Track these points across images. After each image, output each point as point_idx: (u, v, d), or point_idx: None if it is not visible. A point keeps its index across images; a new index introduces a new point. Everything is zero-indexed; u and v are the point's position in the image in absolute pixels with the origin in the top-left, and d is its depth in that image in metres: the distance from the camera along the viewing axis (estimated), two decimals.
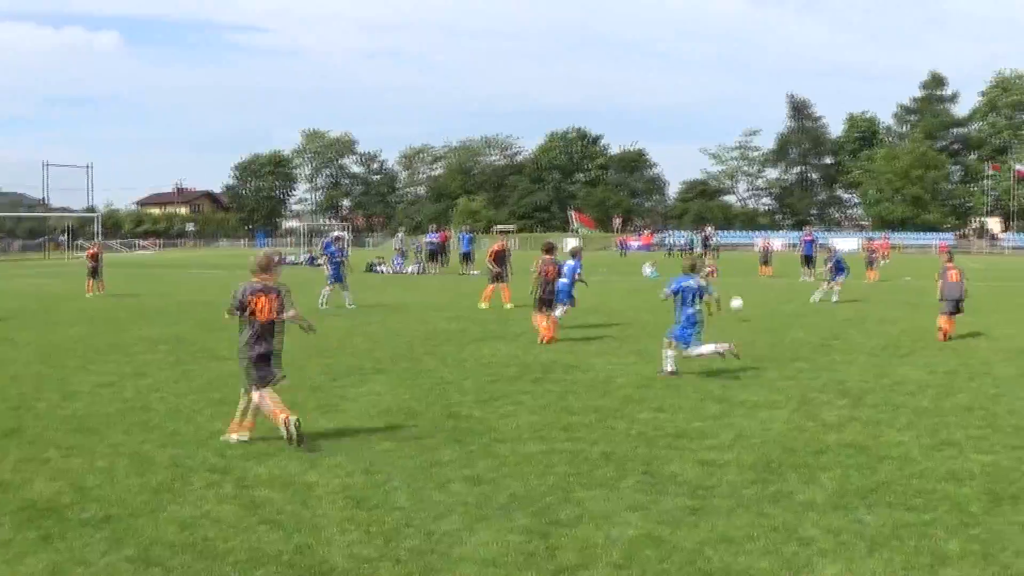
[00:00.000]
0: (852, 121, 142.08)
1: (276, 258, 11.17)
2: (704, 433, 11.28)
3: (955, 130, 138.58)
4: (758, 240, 66.31)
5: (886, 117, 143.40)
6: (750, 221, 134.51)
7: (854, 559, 7.17)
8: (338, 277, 28.30)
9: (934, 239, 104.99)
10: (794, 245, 79.44)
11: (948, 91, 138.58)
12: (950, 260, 21.43)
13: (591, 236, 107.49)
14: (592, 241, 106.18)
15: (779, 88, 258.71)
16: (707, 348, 15.39)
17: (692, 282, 15.51)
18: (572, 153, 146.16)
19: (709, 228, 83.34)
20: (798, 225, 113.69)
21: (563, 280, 20.88)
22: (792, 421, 12.00)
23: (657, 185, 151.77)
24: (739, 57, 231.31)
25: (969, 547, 7.36)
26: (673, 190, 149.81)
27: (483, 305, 27.45)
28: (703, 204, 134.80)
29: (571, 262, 21.56)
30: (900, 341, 20.08)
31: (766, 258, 50.24)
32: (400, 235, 62.03)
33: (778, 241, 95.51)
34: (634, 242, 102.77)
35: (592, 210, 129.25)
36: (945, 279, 20.81)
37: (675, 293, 15.51)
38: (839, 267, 30.51)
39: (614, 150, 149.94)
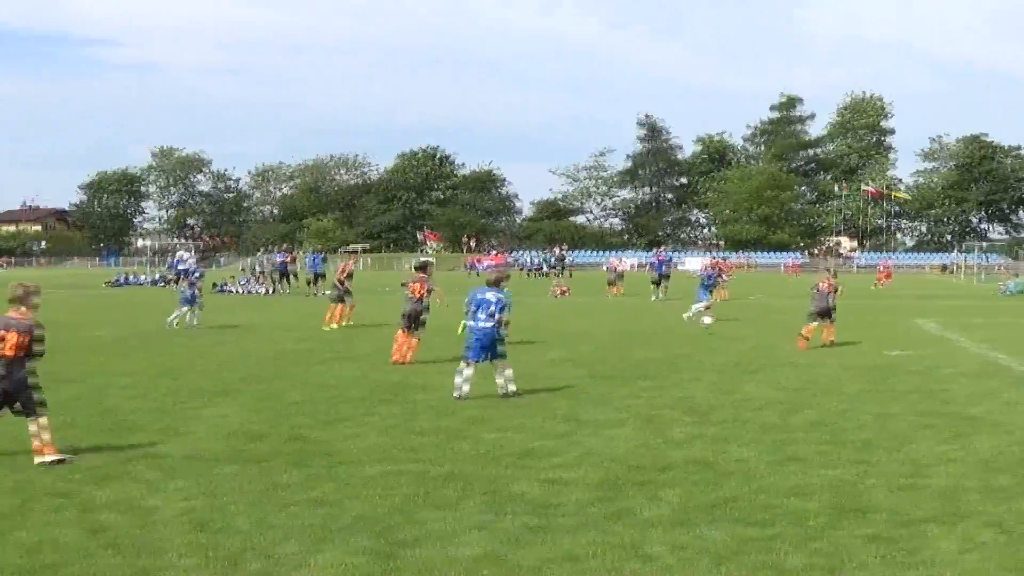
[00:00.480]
0: (704, 142, 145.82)
1: (34, 290, 10.99)
2: (549, 452, 11.42)
3: (807, 151, 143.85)
4: (609, 260, 67.70)
5: (739, 138, 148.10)
6: (601, 241, 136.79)
7: (697, 574, 7.32)
8: (193, 299, 28.22)
9: (785, 258, 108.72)
10: (643, 265, 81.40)
11: (801, 113, 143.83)
12: (828, 275, 23.31)
13: (442, 256, 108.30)
14: (443, 261, 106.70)
15: (632, 109, 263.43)
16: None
17: (491, 295, 15.63)
18: (425, 172, 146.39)
19: (558, 248, 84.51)
20: (650, 245, 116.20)
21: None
22: (638, 439, 12.20)
23: (509, 205, 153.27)
24: (593, 78, 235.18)
25: (812, 561, 7.57)
26: (525, 210, 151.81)
27: (333, 326, 27.50)
28: (555, 224, 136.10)
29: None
30: (748, 358, 20.66)
31: (616, 278, 51.07)
32: (261, 256, 61.63)
33: (629, 261, 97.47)
34: (485, 262, 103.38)
35: (443, 230, 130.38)
36: (816, 289, 22.88)
37: (469, 306, 15.68)
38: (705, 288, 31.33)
39: (467, 170, 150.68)
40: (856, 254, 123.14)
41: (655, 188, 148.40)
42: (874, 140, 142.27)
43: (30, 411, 10.67)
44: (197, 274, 28.67)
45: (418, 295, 20.32)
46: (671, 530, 8.36)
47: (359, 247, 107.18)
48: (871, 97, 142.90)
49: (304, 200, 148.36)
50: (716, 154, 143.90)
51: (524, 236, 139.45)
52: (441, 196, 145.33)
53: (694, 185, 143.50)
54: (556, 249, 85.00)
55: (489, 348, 15.33)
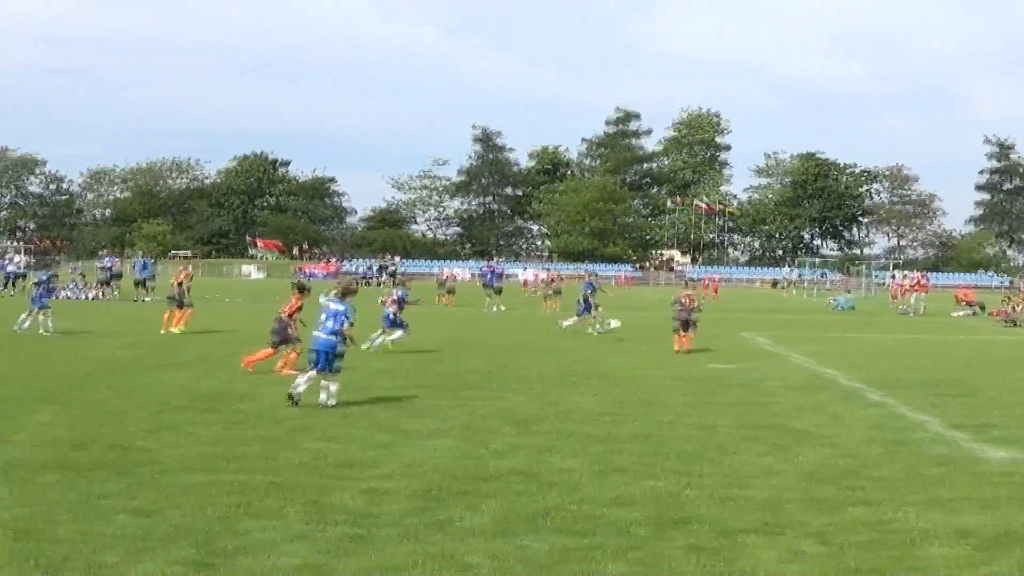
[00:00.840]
0: (539, 154, 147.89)
1: None
2: (371, 462, 11.41)
3: (642, 165, 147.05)
4: (440, 270, 68.25)
5: (574, 151, 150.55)
6: (434, 250, 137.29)
7: None
8: (43, 303, 27.60)
9: (616, 270, 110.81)
10: (475, 275, 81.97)
11: (637, 127, 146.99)
12: (690, 288, 24.07)
13: (276, 263, 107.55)
14: (275, 269, 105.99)
15: (469, 119, 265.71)
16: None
17: (335, 306, 15.84)
18: (257, 178, 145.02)
19: (389, 257, 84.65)
20: (482, 255, 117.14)
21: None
22: (460, 449, 12.29)
23: (341, 213, 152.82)
24: (430, 87, 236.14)
25: (632, 570, 7.68)
26: (358, 218, 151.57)
27: (174, 330, 27.73)
28: (387, 233, 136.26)
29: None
30: (573, 370, 20.95)
31: (448, 287, 51.58)
32: (79, 263, 60.04)
33: (460, 271, 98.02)
34: (317, 270, 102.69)
35: (275, 236, 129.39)
36: (678, 303, 24.65)
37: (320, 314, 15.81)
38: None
39: (301, 176, 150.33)
40: (688, 268, 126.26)
41: (489, 198, 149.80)
42: (709, 156, 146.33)
43: None
44: (44, 278, 28.01)
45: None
46: (491, 540, 8.41)
47: (190, 253, 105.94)
48: (707, 113, 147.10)
49: (135, 204, 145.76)
50: (551, 166, 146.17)
51: (356, 244, 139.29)
52: (274, 202, 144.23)
53: (528, 196, 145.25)
54: (387, 258, 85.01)
55: (328, 359, 15.43)
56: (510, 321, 35.16)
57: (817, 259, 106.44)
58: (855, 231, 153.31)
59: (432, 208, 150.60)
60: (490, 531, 8.69)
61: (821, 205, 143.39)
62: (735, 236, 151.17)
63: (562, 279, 49.45)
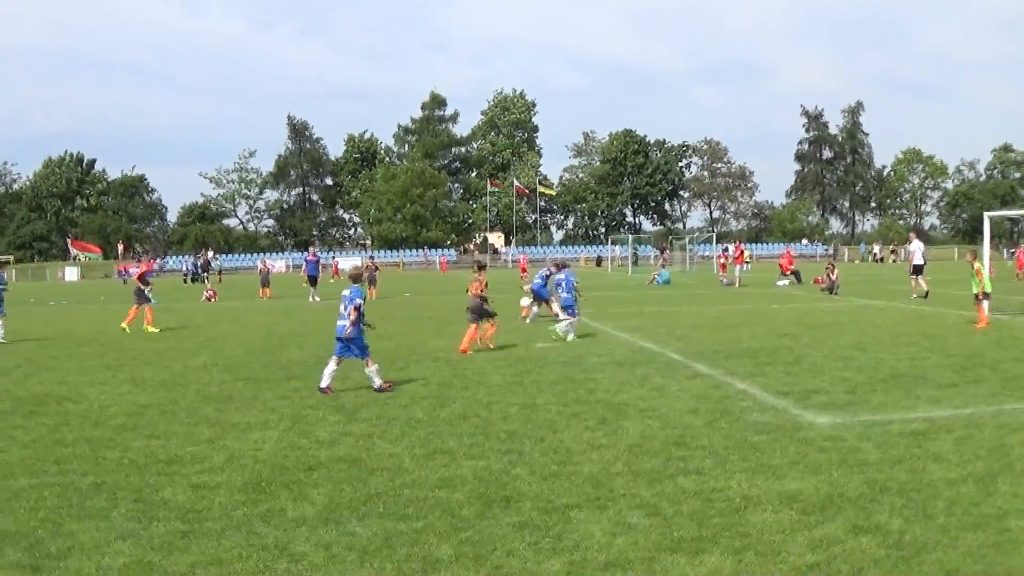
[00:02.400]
0: (352, 142, 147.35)
1: None
2: (196, 457, 11.41)
3: (455, 149, 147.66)
4: (258, 263, 67.70)
5: (387, 138, 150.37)
6: (252, 243, 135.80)
7: (346, 571, 7.46)
8: None
9: (437, 255, 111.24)
10: (298, 266, 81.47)
11: (448, 111, 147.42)
12: (477, 270, 23.73)
13: (94, 265, 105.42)
14: (94, 269, 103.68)
15: (280, 110, 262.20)
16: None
17: (348, 292, 16.46)
18: (70, 179, 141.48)
19: (204, 252, 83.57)
20: (300, 246, 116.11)
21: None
22: (285, 440, 12.30)
23: (158, 210, 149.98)
24: (238, 79, 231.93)
25: (461, 550, 7.82)
26: (173, 215, 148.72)
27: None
28: (204, 228, 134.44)
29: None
30: (396, 356, 20.98)
31: (266, 280, 51.43)
32: None
33: (280, 263, 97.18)
34: (134, 269, 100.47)
35: (93, 237, 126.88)
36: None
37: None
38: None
39: (113, 175, 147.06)
40: (506, 250, 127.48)
41: (304, 189, 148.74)
42: (522, 137, 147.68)
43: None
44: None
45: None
46: (319, 528, 8.51)
47: (6, 258, 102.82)
48: (518, 95, 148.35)
49: None
50: (364, 153, 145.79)
51: (174, 241, 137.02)
52: (88, 203, 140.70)
53: (342, 185, 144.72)
54: (203, 253, 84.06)
55: (350, 345, 16.29)
56: (330, 312, 34.82)
57: (633, 235, 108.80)
58: (673, 205, 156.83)
59: (247, 201, 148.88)
60: (317, 520, 8.78)
61: (637, 181, 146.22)
62: (553, 216, 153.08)
63: (377, 267, 49.53)
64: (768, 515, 8.72)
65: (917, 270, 39.65)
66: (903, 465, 10.48)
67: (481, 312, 22.12)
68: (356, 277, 17.29)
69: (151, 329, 28.80)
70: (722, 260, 62.32)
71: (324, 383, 16.14)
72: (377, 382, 16.20)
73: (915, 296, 38.00)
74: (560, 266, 26.91)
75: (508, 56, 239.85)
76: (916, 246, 41.08)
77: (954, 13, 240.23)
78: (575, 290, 24.75)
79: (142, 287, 30.55)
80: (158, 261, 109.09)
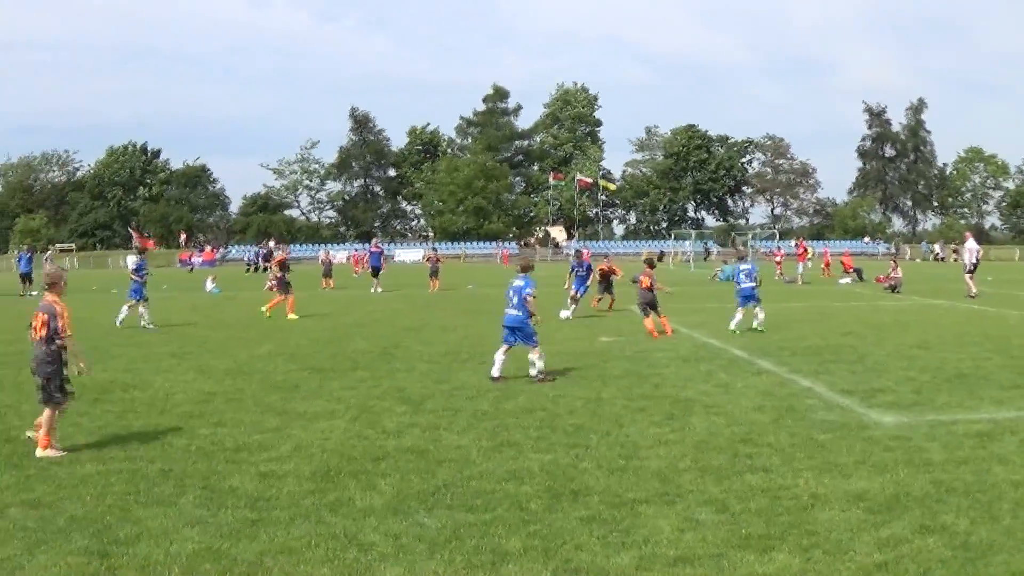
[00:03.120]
0: (414, 134, 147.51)
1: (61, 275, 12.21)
2: (263, 446, 11.50)
3: (518, 142, 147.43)
4: (320, 253, 68.19)
5: (449, 130, 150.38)
6: (314, 234, 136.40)
7: (415, 561, 7.49)
8: (140, 294, 27.23)
9: (498, 248, 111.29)
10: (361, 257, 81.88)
11: (511, 104, 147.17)
12: (649, 266, 25.29)
13: (157, 253, 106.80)
14: (156, 257, 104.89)
15: (342, 102, 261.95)
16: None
17: (518, 282, 17.00)
18: (133, 168, 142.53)
19: (272, 242, 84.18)
20: (361, 237, 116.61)
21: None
22: (351, 430, 12.37)
23: (220, 200, 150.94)
24: (301, 71, 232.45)
25: (530, 543, 7.83)
26: (236, 205, 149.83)
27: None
28: (266, 218, 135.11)
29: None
30: (460, 348, 21.07)
31: (328, 271, 51.69)
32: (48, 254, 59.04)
33: (342, 254, 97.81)
34: (197, 258, 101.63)
35: (154, 226, 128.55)
36: (638, 285, 24.88)
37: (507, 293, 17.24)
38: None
39: (176, 165, 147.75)
40: (567, 243, 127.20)
41: (366, 180, 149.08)
42: (585, 131, 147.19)
43: (41, 398, 11.47)
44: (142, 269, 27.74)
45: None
46: (387, 518, 8.55)
47: (69, 246, 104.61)
48: (580, 88, 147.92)
49: (11, 199, 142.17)
50: (427, 146, 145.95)
51: (236, 231, 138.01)
52: (151, 192, 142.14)
53: (405, 177, 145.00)
54: (267, 243, 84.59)
55: (517, 333, 16.83)
56: (394, 302, 35.12)
57: (696, 231, 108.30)
58: (735, 201, 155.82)
59: (309, 192, 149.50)
60: (385, 510, 8.83)
61: (700, 177, 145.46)
62: (615, 211, 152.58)
63: (440, 259, 49.67)
64: (835, 513, 8.70)
65: (972, 269, 39.65)
66: (968, 466, 10.42)
67: (653, 304, 24.05)
68: (525, 267, 17.67)
69: (292, 317, 29.13)
70: (777, 258, 61.80)
71: (495, 372, 16.53)
72: (539, 371, 16.48)
73: (972, 295, 37.83)
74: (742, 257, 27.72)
75: (571, 49, 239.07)
76: (971, 245, 41.09)
77: (1019, 11, 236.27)
78: (757, 279, 24.93)
79: (283, 275, 30.93)
80: (220, 250, 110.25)
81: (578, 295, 30.86)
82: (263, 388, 15.86)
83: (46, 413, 11.22)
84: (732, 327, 23.76)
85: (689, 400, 14.46)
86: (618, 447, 11.28)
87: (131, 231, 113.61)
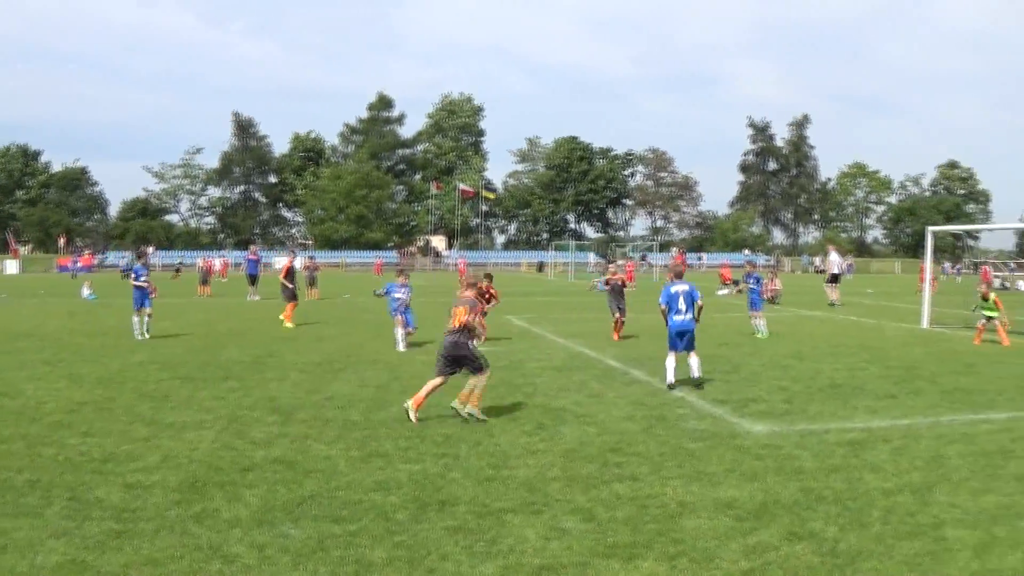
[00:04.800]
0: (297, 140, 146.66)
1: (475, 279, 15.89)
2: (132, 456, 11.34)
3: (401, 151, 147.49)
4: (198, 260, 67.37)
5: (332, 137, 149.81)
6: (193, 240, 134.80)
7: (279, 572, 7.47)
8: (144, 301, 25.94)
9: (376, 257, 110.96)
10: (238, 264, 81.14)
11: (395, 113, 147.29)
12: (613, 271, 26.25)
13: (33, 258, 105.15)
14: (34, 263, 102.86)
15: (227, 106, 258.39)
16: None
17: (683, 287, 17.30)
18: (12, 171, 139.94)
19: (151, 248, 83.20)
20: (240, 244, 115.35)
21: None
22: (220, 440, 12.25)
23: (99, 204, 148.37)
24: (185, 74, 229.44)
25: (395, 554, 7.84)
26: (115, 209, 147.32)
27: None
28: (145, 223, 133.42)
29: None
30: (334, 357, 20.96)
31: (206, 278, 51.53)
32: None
33: (219, 260, 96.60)
34: (76, 263, 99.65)
35: (33, 230, 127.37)
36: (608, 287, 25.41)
37: (667, 303, 17.36)
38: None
39: (56, 167, 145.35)
40: (448, 253, 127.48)
41: (247, 186, 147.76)
42: (468, 141, 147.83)
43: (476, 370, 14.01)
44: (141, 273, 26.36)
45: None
46: (252, 530, 8.49)
47: None
48: (465, 98, 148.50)
49: None
50: (309, 152, 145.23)
51: (115, 236, 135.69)
52: (29, 195, 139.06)
53: (286, 184, 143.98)
54: (144, 249, 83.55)
55: (687, 337, 17.12)
56: (270, 310, 34.76)
57: (577, 242, 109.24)
58: (616, 213, 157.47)
59: (190, 197, 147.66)
60: (251, 521, 8.76)
61: (581, 188, 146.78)
62: (496, 221, 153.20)
63: (317, 267, 49.39)
64: (703, 521, 8.81)
65: (834, 279, 42.95)
66: (839, 474, 10.63)
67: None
68: (680, 274, 18.07)
69: (289, 325, 28.96)
70: (630, 268, 62.42)
71: (670, 378, 16.85)
72: (700, 372, 17.16)
73: (836, 303, 40.53)
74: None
75: (458, 60, 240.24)
76: (834, 258, 45.01)
77: (904, 30, 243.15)
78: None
79: (287, 284, 30.59)
80: (98, 255, 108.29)
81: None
82: (134, 397, 15.62)
83: None
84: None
85: (561, 409, 14.56)
86: (487, 457, 11.31)
87: (7, 235, 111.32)
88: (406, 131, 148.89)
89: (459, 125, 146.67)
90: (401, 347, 22.57)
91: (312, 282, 46.64)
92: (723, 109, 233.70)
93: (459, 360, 14.21)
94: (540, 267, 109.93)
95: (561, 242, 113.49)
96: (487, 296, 23.20)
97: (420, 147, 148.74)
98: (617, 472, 10.61)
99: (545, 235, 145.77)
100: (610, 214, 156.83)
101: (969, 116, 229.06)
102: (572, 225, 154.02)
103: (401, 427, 13.12)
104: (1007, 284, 65.35)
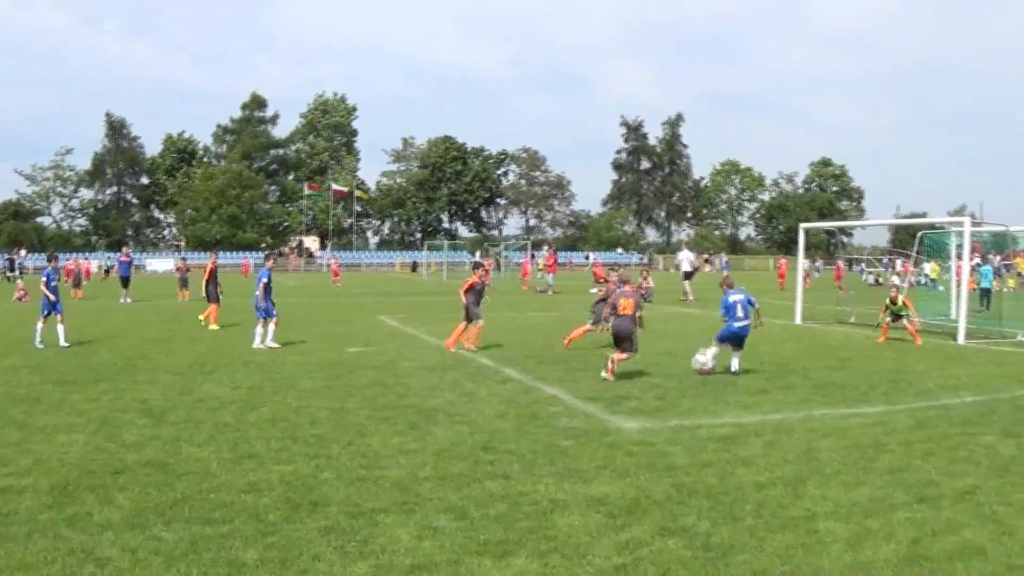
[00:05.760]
0: (170, 141, 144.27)
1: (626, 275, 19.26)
2: (3, 460, 11.16)
3: (274, 151, 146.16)
4: (68, 262, 66.06)
5: (206, 138, 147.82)
6: (65, 243, 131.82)
7: (152, 575, 7.47)
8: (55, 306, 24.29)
9: (252, 257, 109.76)
10: (108, 269, 79.90)
11: (269, 113, 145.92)
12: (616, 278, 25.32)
13: None
14: None
15: (101, 107, 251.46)
16: None
17: (742, 295, 19.21)
18: None
19: (23, 251, 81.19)
20: (113, 246, 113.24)
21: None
22: (92, 443, 12.10)
23: None
24: (59, 73, 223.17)
25: (267, 555, 7.86)
26: None
27: None
28: (16, 226, 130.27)
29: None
30: (206, 359, 20.80)
31: (78, 281, 51.03)
32: None
33: (95, 262, 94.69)
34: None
35: None
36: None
37: (728, 308, 19.19)
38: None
39: None
40: (321, 254, 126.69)
41: (119, 188, 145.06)
42: (341, 141, 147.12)
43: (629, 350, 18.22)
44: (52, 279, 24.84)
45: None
46: (125, 533, 8.45)
47: None
48: (339, 98, 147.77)
49: None
50: (182, 153, 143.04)
51: None
52: None
53: (159, 185, 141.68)
54: (17, 251, 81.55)
55: (742, 339, 19.08)
56: (142, 313, 34.27)
57: (450, 241, 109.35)
58: (489, 213, 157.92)
59: (63, 199, 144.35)
60: (123, 524, 8.71)
61: (455, 188, 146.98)
62: (370, 221, 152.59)
63: (188, 269, 48.81)
64: (575, 518, 8.93)
65: (687, 276, 44.99)
66: (711, 469, 10.85)
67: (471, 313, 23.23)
68: (732, 283, 20.10)
69: (214, 327, 28.69)
70: (528, 266, 63.15)
71: (709, 366, 18.73)
72: (739, 366, 18.89)
73: (688, 300, 42.44)
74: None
75: (333, 59, 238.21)
76: (684, 255, 46.64)
77: (778, 30, 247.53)
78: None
79: (211, 285, 30.39)
80: None
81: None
82: (5, 401, 15.34)
83: None
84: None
85: (433, 409, 14.63)
86: (359, 457, 11.34)
87: None
88: (281, 131, 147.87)
89: (333, 124, 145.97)
90: (271, 343, 22.63)
91: (184, 283, 46.06)
92: (598, 109, 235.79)
93: (627, 339, 18.28)
94: (414, 267, 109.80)
95: (435, 242, 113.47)
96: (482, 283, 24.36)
97: (294, 147, 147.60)
98: (489, 470, 10.72)
99: (419, 235, 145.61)
100: (484, 213, 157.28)
101: (843, 115, 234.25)
102: (446, 224, 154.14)
103: (272, 428, 13.09)
104: (880, 280, 66.65)
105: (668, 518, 8.96)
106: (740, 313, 18.92)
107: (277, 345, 22.99)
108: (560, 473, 10.61)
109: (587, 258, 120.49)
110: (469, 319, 23.01)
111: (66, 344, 23.31)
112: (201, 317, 30.02)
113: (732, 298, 19.16)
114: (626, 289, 18.88)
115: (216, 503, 9.32)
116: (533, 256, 74.44)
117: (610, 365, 17.94)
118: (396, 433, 12.80)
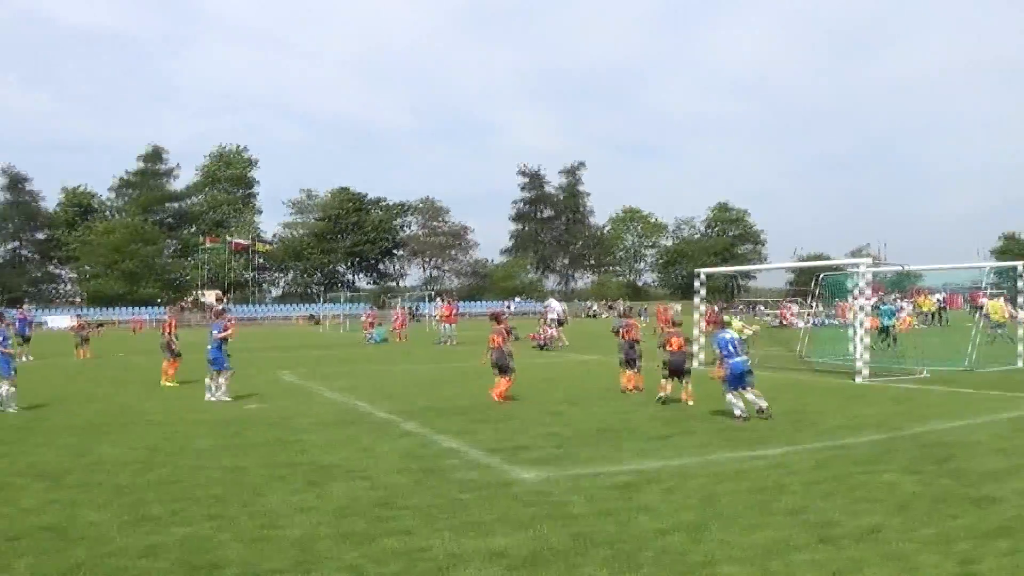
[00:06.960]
0: (69, 195, 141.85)
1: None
2: None
3: (173, 204, 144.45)
4: None
5: (105, 191, 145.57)
6: None
7: None
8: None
9: (152, 314, 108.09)
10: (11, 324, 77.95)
11: (167, 165, 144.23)
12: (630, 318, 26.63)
13: None
14: None
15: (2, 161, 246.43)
16: None
17: (731, 335, 20.28)
18: None
19: None
20: (11, 303, 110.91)
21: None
22: None
23: None
24: None
25: None
26: None
27: None
28: None
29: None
30: (104, 419, 20.51)
31: None
32: None
33: None
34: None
35: None
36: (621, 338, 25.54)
37: (721, 348, 19.83)
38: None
39: None
40: (222, 306, 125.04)
41: (17, 243, 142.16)
42: (240, 193, 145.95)
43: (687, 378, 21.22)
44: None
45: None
46: None
47: None
48: (238, 150, 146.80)
49: None
50: (81, 207, 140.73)
51: None
52: None
53: (58, 240, 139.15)
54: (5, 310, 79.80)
55: (746, 375, 19.44)
56: (41, 371, 33.64)
57: (351, 293, 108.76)
58: (389, 264, 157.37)
59: None
60: None
61: (354, 239, 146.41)
62: (270, 274, 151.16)
63: (85, 326, 48.05)
64: (474, 572, 8.98)
65: (558, 323, 48.14)
66: (611, 517, 10.92)
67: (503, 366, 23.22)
68: (723, 323, 23.36)
69: (170, 384, 27.94)
70: (397, 317, 63.52)
71: (742, 412, 18.78)
72: (763, 403, 19.20)
73: (561, 345, 44.83)
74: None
75: (233, 111, 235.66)
76: (553, 305, 50.80)
77: (674, 75, 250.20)
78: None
79: (169, 341, 29.39)
80: None
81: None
82: None
83: None
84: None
85: (331, 466, 14.59)
86: (258, 517, 11.29)
87: None
88: (181, 183, 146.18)
89: (231, 177, 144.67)
90: (223, 396, 22.60)
91: (82, 341, 45.33)
92: (498, 158, 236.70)
93: (681, 371, 21.48)
94: (312, 320, 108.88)
95: (335, 293, 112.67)
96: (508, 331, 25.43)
97: (192, 200, 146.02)
98: (388, 527, 10.72)
99: (319, 287, 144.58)
100: (384, 264, 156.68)
101: (738, 158, 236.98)
102: (346, 276, 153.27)
103: (170, 489, 12.96)
104: (780, 322, 67.75)
105: (568, 569, 9.02)
106: (736, 349, 19.58)
107: (229, 398, 22.95)
108: (459, 527, 10.63)
109: (503, 304, 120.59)
110: (504, 371, 23.23)
111: (15, 408, 22.48)
112: (166, 383, 28.43)
113: (723, 336, 20.05)
114: (673, 331, 21.98)
115: (113, 568, 9.22)
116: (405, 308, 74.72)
117: (688, 393, 21.46)
118: (294, 491, 12.75)
